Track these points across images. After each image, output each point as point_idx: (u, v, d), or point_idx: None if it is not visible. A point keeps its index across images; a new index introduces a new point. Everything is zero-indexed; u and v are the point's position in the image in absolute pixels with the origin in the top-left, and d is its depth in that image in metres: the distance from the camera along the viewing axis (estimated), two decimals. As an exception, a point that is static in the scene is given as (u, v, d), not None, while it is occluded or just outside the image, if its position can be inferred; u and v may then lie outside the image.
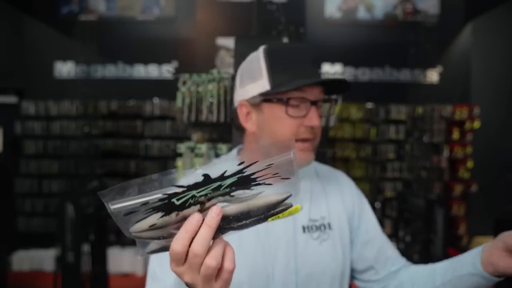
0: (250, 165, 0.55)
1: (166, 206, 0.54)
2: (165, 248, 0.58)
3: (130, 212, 0.54)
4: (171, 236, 0.56)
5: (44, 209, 5.30)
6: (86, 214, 3.53)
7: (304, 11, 5.45)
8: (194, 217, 0.55)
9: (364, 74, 5.68)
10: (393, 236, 5.05)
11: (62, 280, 3.38)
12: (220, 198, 0.56)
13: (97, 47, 4.46)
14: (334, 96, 0.96)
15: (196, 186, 0.54)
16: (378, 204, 5.35)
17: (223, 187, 0.55)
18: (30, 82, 5.46)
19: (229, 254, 0.58)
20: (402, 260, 1.06)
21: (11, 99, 5.48)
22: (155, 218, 0.55)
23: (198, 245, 0.54)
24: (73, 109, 5.22)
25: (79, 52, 4.33)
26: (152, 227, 0.55)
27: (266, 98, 0.92)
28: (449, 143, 5.28)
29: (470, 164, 5.22)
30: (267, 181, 0.57)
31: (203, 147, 1.75)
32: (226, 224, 0.57)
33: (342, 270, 0.99)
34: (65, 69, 5.55)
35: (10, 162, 5.09)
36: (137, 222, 0.55)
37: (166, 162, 5.35)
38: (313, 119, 0.90)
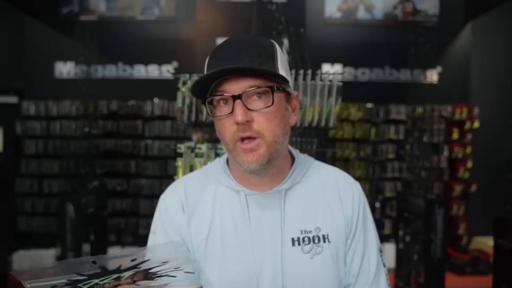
0: (143, 262, 0.59)
1: None
2: None
3: None
4: None
5: (44, 209, 5.31)
6: (86, 214, 3.54)
7: (304, 11, 5.46)
8: None
9: (364, 74, 5.68)
10: (392, 236, 5.06)
11: (63, 279, 3.38)
12: (126, 287, 0.59)
13: (97, 47, 4.46)
14: (264, 86, 0.82)
15: (95, 275, 0.58)
16: (378, 204, 5.36)
17: (123, 278, 0.59)
18: (31, 82, 5.47)
19: None
20: None
21: (12, 99, 5.49)
22: None
23: None
24: (73, 109, 5.22)
25: (79, 52, 4.33)
26: None
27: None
28: (449, 143, 5.29)
29: (469, 164, 5.23)
30: (170, 273, 0.60)
31: (203, 147, 1.76)
32: None
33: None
34: (65, 69, 5.56)
35: (10, 162, 5.09)
36: None
37: (166, 162, 5.36)
38: (236, 114, 0.80)
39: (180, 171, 1.75)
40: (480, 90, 5.55)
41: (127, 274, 0.58)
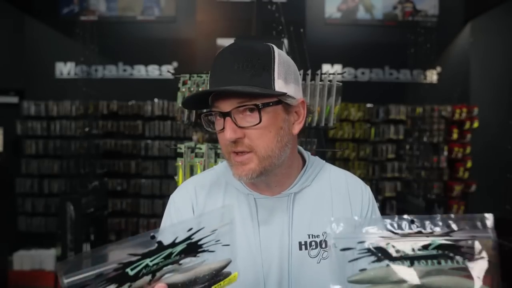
0: (198, 231, 0.60)
1: (120, 277, 0.56)
2: None
3: (83, 286, 0.55)
4: None
5: (44, 209, 5.31)
6: (86, 214, 3.54)
7: (304, 11, 5.47)
8: None
9: (364, 74, 5.69)
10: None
11: (63, 279, 3.38)
12: (170, 267, 0.60)
13: (97, 47, 4.47)
14: (251, 104, 0.80)
15: (149, 254, 0.57)
16: (377, 204, 5.36)
17: (173, 255, 0.59)
18: (31, 82, 5.48)
19: None
20: None
21: (12, 99, 5.50)
22: None
23: None
24: (73, 109, 5.23)
25: (80, 52, 4.34)
26: None
27: None
28: (449, 143, 5.29)
29: (469, 164, 5.24)
30: (210, 248, 0.61)
31: (203, 147, 1.76)
32: None
33: None
34: (65, 69, 5.56)
35: (11, 162, 5.10)
36: None
37: (166, 162, 5.36)
38: (225, 132, 0.80)
39: (180, 171, 1.76)
40: (480, 90, 5.55)
41: (179, 248, 0.59)
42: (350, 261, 0.57)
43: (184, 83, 1.89)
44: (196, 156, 1.76)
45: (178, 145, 1.79)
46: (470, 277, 0.57)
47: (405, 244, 0.57)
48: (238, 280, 0.86)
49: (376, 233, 0.57)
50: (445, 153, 5.25)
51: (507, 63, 5.44)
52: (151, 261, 0.58)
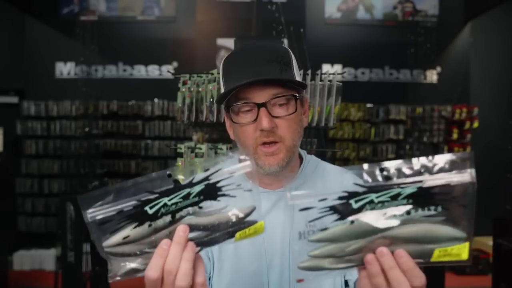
0: (216, 171, 0.57)
1: (139, 215, 0.56)
2: (137, 271, 0.59)
3: (105, 222, 0.56)
4: (143, 254, 0.58)
5: (44, 209, 5.31)
6: (86, 214, 3.53)
7: (304, 11, 5.47)
8: (164, 243, 0.57)
9: (364, 74, 5.69)
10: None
11: (63, 279, 3.39)
12: (190, 209, 0.58)
13: (97, 47, 4.47)
14: (289, 94, 0.86)
15: (167, 192, 0.57)
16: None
17: (192, 195, 0.58)
18: (31, 82, 5.48)
19: (199, 269, 0.60)
20: None
21: (12, 99, 5.50)
22: (128, 230, 0.57)
23: (170, 263, 0.57)
24: (73, 109, 5.23)
25: (80, 52, 4.34)
26: (126, 240, 0.57)
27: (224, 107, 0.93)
28: (449, 143, 5.29)
29: (469, 164, 5.23)
30: (231, 193, 0.59)
31: (203, 147, 1.76)
32: (197, 238, 0.59)
33: (342, 280, 0.92)
34: (65, 69, 5.56)
35: (10, 162, 5.10)
36: (110, 233, 0.57)
37: (166, 162, 5.36)
38: (261, 121, 0.84)
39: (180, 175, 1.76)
40: (480, 90, 5.55)
41: (197, 189, 0.58)
42: (310, 221, 0.56)
43: (184, 83, 1.89)
44: (196, 156, 1.76)
45: (178, 145, 1.79)
46: (445, 223, 0.54)
47: (370, 197, 0.53)
48: (242, 269, 0.90)
49: (339, 189, 0.55)
50: (445, 153, 5.24)
51: (507, 63, 5.44)
52: (169, 200, 0.57)
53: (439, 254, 0.54)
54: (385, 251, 0.54)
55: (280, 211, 0.93)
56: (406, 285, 0.54)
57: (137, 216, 0.56)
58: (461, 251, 0.54)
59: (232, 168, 0.59)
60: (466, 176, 0.52)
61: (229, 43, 5.04)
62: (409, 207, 0.53)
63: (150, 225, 0.57)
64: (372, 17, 5.71)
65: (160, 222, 0.57)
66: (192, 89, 1.86)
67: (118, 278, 0.59)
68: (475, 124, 5.22)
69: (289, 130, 0.87)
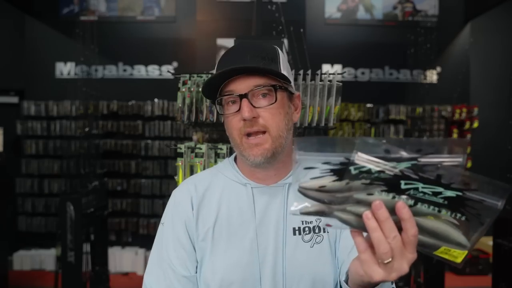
0: (428, 154, 0.55)
1: (343, 171, 0.57)
2: (320, 213, 0.59)
3: (310, 168, 0.58)
4: (331, 203, 0.58)
5: (44, 209, 5.31)
6: (86, 214, 3.54)
7: (304, 11, 5.47)
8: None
9: (364, 75, 5.69)
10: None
11: (63, 279, 3.39)
12: (403, 197, 0.56)
13: (97, 47, 4.47)
14: (268, 84, 0.90)
15: (376, 161, 0.56)
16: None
17: (396, 169, 0.55)
18: (31, 82, 5.48)
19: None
20: None
21: (12, 99, 5.50)
22: (327, 181, 0.58)
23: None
24: (73, 109, 5.22)
25: (80, 52, 4.33)
26: (321, 189, 0.58)
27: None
28: (449, 143, 5.29)
29: (469, 164, 5.24)
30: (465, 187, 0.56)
31: (203, 147, 1.76)
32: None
33: (336, 277, 0.92)
34: (65, 69, 5.57)
35: (11, 162, 5.10)
36: (311, 178, 0.58)
37: (166, 162, 5.36)
38: (243, 110, 0.88)
39: (180, 171, 1.76)
40: (480, 90, 5.55)
41: (403, 165, 0.55)
42: (312, 179, 0.58)
43: (184, 83, 1.89)
44: (196, 156, 1.76)
45: (178, 145, 1.79)
46: (459, 228, 0.57)
47: (418, 185, 0.55)
48: (234, 262, 0.91)
49: (342, 155, 0.57)
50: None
51: (507, 63, 5.43)
52: (376, 166, 0.56)
53: (442, 251, 0.58)
54: (378, 203, 0.55)
55: (273, 206, 0.95)
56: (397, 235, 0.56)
57: (340, 171, 0.57)
58: (459, 256, 0.59)
59: (441, 158, 0.55)
60: (500, 204, 0.57)
61: (229, 43, 5.03)
62: (443, 207, 0.56)
63: (347, 183, 0.57)
64: (372, 17, 5.71)
65: (356, 184, 0.57)
66: (192, 89, 1.86)
67: (296, 211, 0.60)
68: (475, 124, 5.22)
69: (273, 119, 0.90)
